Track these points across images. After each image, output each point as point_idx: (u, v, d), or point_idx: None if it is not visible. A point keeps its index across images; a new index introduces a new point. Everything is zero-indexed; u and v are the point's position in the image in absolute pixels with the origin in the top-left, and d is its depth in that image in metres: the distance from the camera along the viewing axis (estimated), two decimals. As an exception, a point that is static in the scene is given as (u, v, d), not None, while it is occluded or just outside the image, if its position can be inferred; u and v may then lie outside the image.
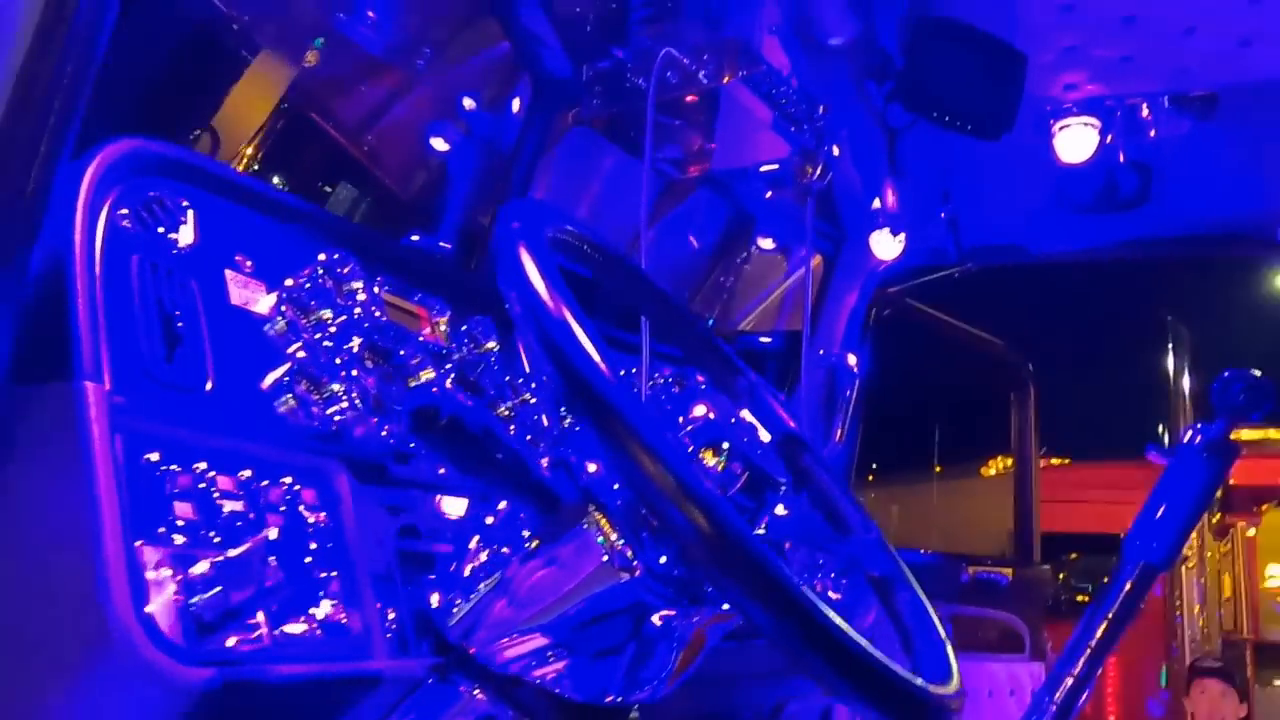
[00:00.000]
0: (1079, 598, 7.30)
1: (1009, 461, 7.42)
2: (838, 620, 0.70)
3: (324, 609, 0.90)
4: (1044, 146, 2.39)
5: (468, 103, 2.20)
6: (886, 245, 2.71)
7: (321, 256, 1.09)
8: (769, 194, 2.72)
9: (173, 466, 0.81)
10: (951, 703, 0.82)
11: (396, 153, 2.31)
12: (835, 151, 2.11)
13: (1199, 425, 1.64)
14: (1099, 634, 1.65)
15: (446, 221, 2.36)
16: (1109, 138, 2.40)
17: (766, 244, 3.20)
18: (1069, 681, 1.71)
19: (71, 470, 0.73)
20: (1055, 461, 7.68)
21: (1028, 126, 2.22)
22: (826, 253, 2.93)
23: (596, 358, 0.71)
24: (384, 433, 1.04)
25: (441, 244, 1.96)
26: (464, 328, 1.32)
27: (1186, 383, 5.98)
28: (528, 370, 1.31)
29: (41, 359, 0.78)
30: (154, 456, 0.80)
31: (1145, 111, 2.37)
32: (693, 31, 1.76)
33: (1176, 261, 3.03)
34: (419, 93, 2.14)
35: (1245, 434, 6.87)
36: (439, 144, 2.64)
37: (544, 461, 0.86)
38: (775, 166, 2.34)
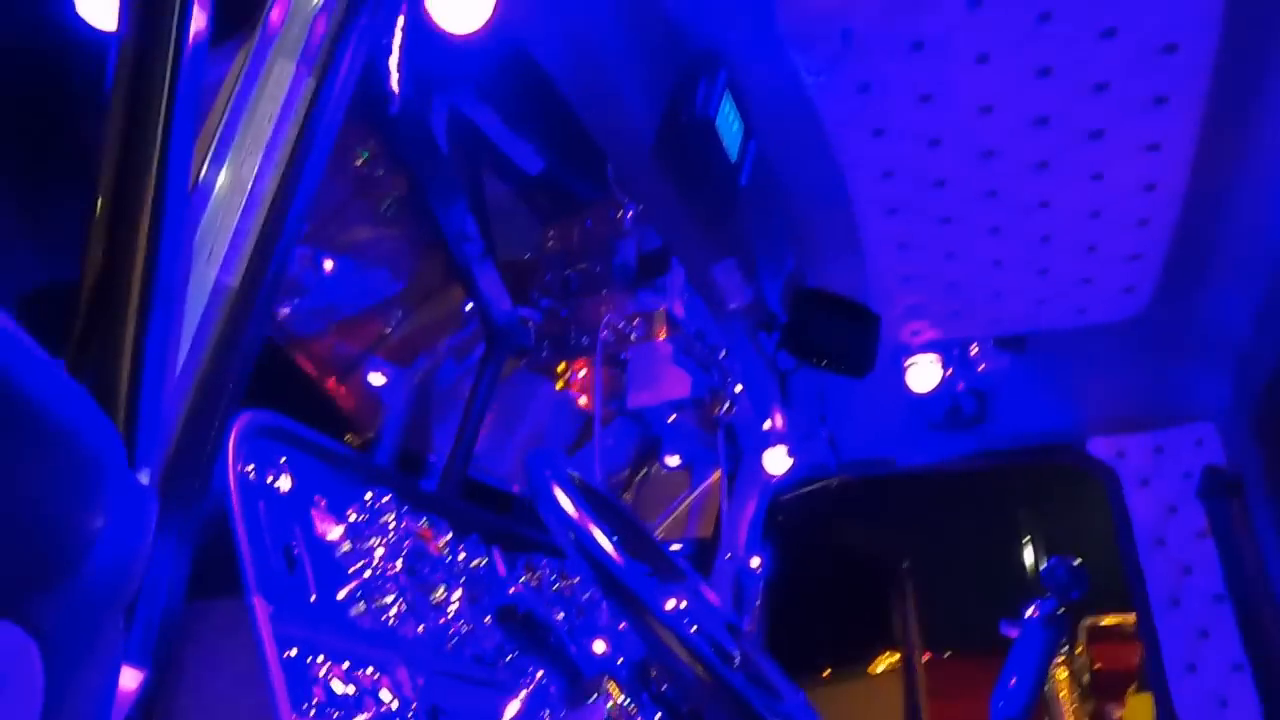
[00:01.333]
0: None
1: (896, 658, 7.76)
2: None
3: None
4: (900, 378, 2.94)
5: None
6: (778, 461, 3.17)
7: (368, 496, 1.42)
8: (672, 418, 3.17)
9: (306, 659, 1.09)
10: None
11: (357, 393, 2.65)
12: (738, 389, 2.57)
13: (1037, 602, 2.05)
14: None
15: (383, 448, 2.68)
16: (949, 370, 2.97)
17: (673, 461, 3.61)
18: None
19: (248, 667, 1.00)
20: (944, 654, 8.03)
21: (886, 363, 2.75)
22: (727, 469, 3.36)
23: (613, 554, 1.07)
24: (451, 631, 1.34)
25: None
26: (461, 546, 1.64)
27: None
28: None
29: (214, 578, 1.06)
30: (293, 653, 1.08)
31: (974, 349, 2.97)
32: (625, 301, 2.23)
33: (1022, 466, 3.58)
34: (389, 341, 2.51)
35: (1107, 619, 7.44)
36: (377, 379, 3.01)
37: (572, 647, 1.18)
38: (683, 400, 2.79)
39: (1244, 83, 1.94)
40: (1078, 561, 2.03)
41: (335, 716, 1.09)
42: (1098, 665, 7.20)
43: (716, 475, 3.40)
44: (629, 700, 1.18)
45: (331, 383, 2.61)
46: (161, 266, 1.01)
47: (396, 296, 2.45)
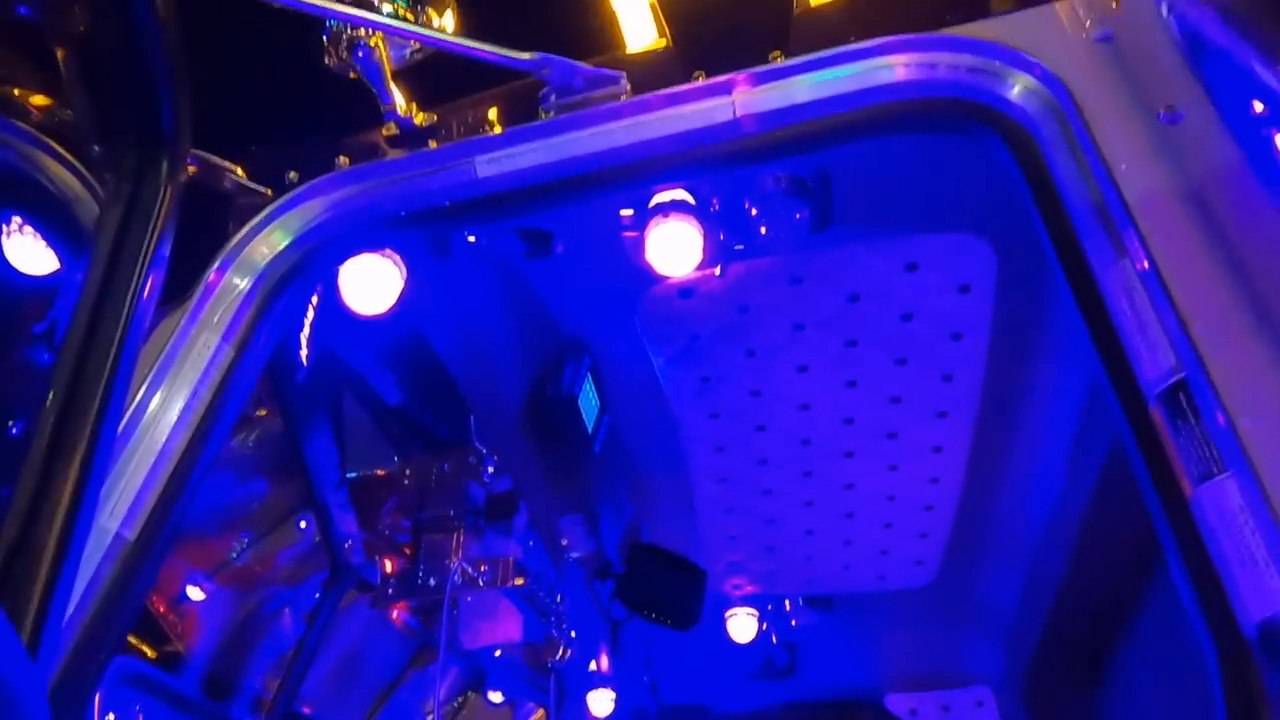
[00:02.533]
0: None
1: None
2: None
3: None
4: (721, 630, 3.15)
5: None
6: (600, 702, 3.25)
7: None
8: (498, 653, 3.22)
9: None
10: None
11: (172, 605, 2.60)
12: (573, 634, 2.70)
13: None
14: None
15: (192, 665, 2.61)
16: (764, 625, 3.21)
17: (496, 697, 3.61)
18: None
19: None
20: None
21: (709, 614, 2.96)
22: (549, 707, 3.40)
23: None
24: None
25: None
26: None
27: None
28: None
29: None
30: None
31: (787, 605, 3.23)
32: (473, 543, 2.37)
33: None
34: (232, 565, 2.51)
35: None
36: (196, 594, 2.94)
37: None
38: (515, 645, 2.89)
39: (1004, 404, 2.39)
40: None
41: None
42: None
43: (539, 714, 3.43)
44: None
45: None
46: (81, 513, 1.08)
47: (246, 520, 2.49)
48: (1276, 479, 0.88)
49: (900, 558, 2.97)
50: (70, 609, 1.20)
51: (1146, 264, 1.05)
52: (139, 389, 1.36)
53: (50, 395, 1.10)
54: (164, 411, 1.38)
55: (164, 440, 1.36)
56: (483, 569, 2.33)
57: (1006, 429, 2.48)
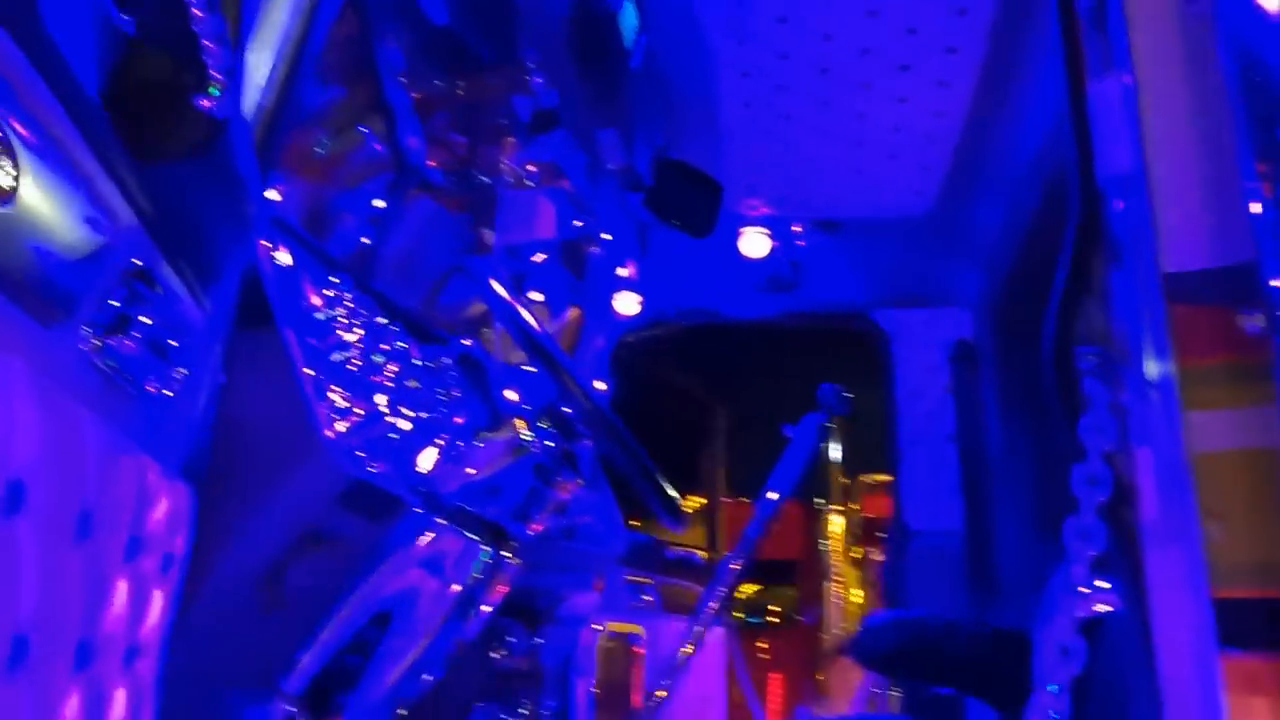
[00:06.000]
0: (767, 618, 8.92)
1: (703, 500, 8.78)
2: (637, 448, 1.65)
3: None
4: (734, 245, 3.57)
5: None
6: (628, 304, 3.76)
7: (335, 279, 1.89)
8: (540, 257, 3.69)
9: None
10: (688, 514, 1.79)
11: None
12: (605, 237, 3.12)
13: (808, 415, 2.77)
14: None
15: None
16: (776, 243, 3.62)
17: (535, 296, 4.16)
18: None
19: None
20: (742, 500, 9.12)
21: (726, 231, 3.36)
22: (582, 306, 3.93)
23: (538, 327, 1.62)
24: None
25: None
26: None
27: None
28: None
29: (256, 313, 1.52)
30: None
31: (798, 228, 3.62)
32: (521, 150, 2.71)
33: (828, 331, 4.33)
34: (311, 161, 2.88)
35: (878, 477, 8.66)
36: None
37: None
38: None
39: (1015, 39, 2.58)
40: (845, 393, 2.74)
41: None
42: (867, 514, 8.47)
43: (573, 312, 3.98)
44: (530, 434, 1.75)
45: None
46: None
47: (322, 115, 2.81)
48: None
49: (903, 187, 3.30)
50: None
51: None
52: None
53: None
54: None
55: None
56: (529, 169, 2.68)
57: (1009, 65, 2.68)
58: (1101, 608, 1.07)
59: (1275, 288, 0.96)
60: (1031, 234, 3.05)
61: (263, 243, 1.61)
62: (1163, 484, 1.01)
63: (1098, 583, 1.07)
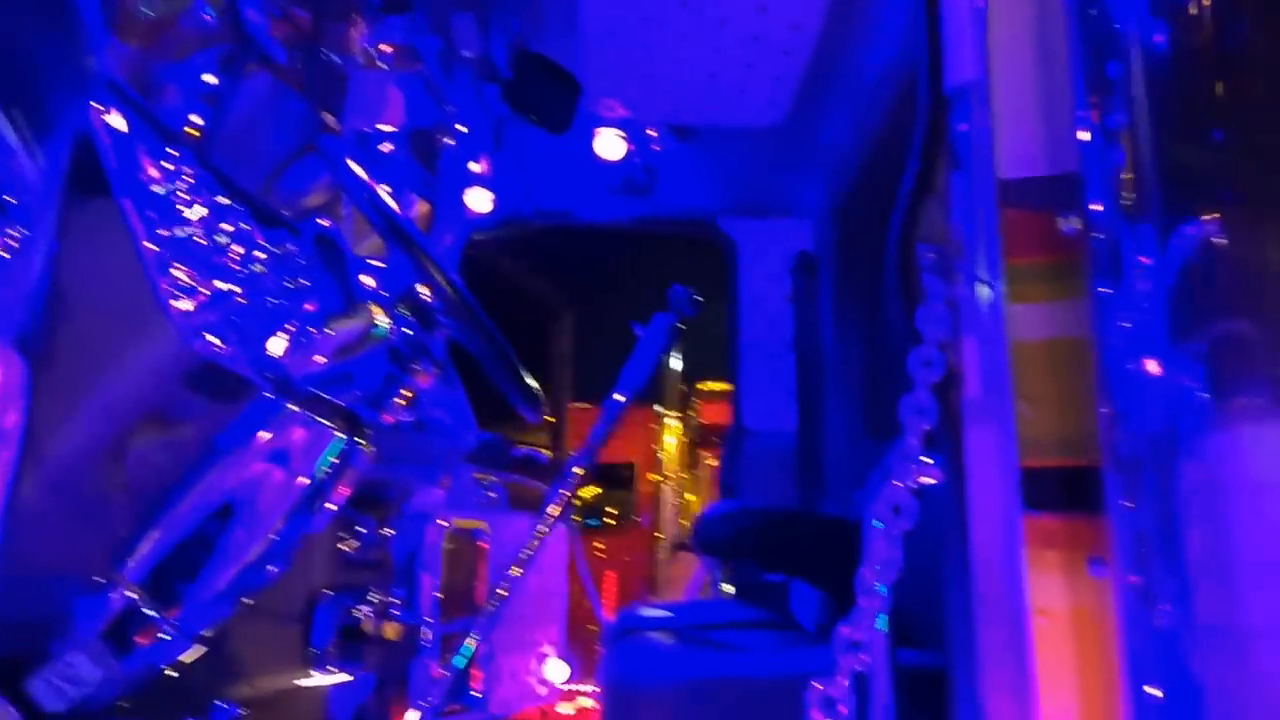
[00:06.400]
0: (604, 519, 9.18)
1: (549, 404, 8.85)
2: (497, 334, 1.66)
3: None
4: (589, 147, 3.55)
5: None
6: (480, 201, 3.70)
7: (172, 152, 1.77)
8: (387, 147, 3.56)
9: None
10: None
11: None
12: (459, 128, 3.04)
13: (658, 315, 2.84)
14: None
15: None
16: (630, 146, 3.63)
17: (384, 189, 4.01)
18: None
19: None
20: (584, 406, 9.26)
21: (582, 132, 3.33)
22: (432, 201, 3.83)
23: (396, 209, 1.59)
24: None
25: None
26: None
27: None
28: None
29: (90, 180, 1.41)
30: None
31: (653, 132, 3.64)
32: (373, 30, 2.58)
33: (677, 239, 4.40)
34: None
35: (712, 385, 8.98)
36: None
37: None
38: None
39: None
40: (696, 296, 2.82)
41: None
42: (702, 420, 8.81)
43: (422, 206, 3.87)
44: (387, 320, 1.72)
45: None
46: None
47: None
48: None
49: (757, 96, 3.36)
50: None
51: None
52: None
53: None
54: None
55: None
56: (385, 50, 2.56)
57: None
58: (927, 480, 1.19)
59: (1094, 210, 1.05)
60: (877, 145, 3.19)
61: (95, 105, 1.49)
62: (985, 369, 1.13)
63: (923, 458, 1.18)
